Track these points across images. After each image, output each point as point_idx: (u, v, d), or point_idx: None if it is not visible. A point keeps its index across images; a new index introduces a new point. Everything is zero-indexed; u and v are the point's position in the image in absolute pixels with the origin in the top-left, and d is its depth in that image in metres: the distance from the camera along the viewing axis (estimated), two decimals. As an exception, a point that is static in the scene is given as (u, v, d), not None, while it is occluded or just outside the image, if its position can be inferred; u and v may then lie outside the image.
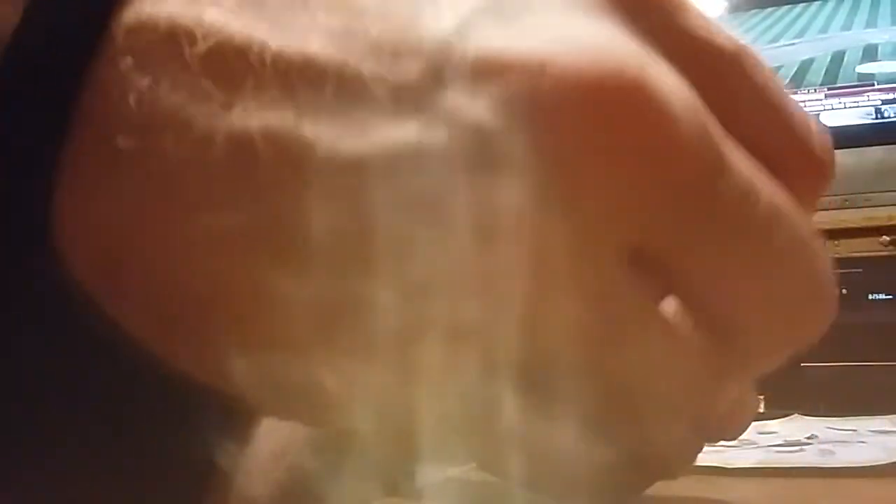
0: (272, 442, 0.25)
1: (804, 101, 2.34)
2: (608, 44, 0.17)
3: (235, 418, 0.21)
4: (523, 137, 0.16)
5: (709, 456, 0.38)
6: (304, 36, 0.17)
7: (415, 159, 0.16)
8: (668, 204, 0.17)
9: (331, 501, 0.22)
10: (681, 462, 0.30)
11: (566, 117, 0.16)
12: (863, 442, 0.48)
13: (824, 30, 2.21)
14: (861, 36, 2.17)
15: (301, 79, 0.17)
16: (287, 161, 0.17)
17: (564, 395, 0.18)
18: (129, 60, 0.17)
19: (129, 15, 0.17)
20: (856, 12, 2.22)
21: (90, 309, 0.18)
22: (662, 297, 0.18)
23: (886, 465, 0.40)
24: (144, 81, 0.17)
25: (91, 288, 0.18)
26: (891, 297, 1.91)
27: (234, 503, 0.23)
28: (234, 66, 0.17)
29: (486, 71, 0.17)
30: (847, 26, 2.20)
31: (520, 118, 0.16)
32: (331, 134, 0.17)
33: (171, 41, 0.17)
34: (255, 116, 0.17)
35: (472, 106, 0.16)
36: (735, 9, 2.41)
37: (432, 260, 0.16)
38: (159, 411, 0.20)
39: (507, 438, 0.18)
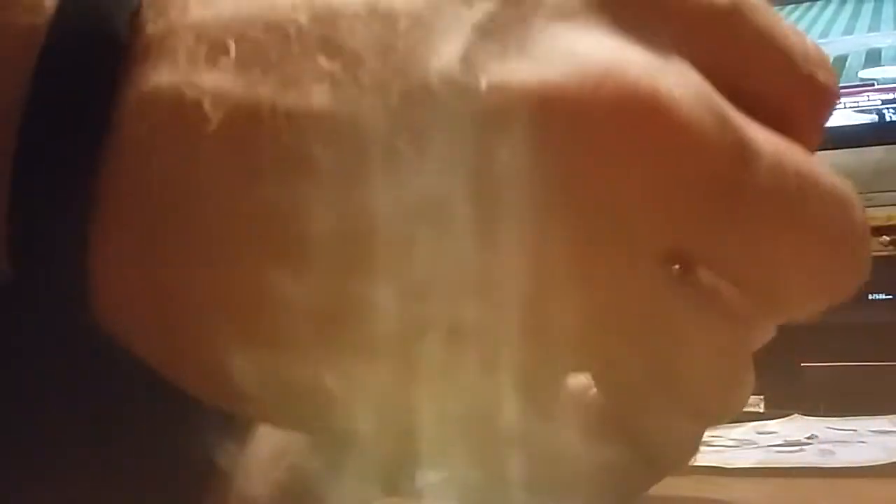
0: (272, 442, 0.25)
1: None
2: (616, 60, 0.17)
3: (235, 419, 0.21)
4: (551, 167, 0.16)
5: (709, 456, 0.38)
6: (311, 90, 0.17)
7: (444, 209, 0.16)
8: (699, 205, 0.17)
9: (330, 502, 0.22)
10: (685, 453, 0.30)
11: (591, 142, 0.16)
12: (863, 442, 0.48)
13: (825, 34, 2.21)
14: (864, 40, 2.17)
15: (315, 137, 0.17)
16: (303, 233, 0.17)
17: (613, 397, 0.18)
18: (141, 139, 0.17)
19: (133, 90, 0.17)
20: (857, 16, 2.22)
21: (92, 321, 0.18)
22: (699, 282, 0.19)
23: (886, 464, 0.40)
24: (158, 161, 0.17)
25: (111, 316, 0.18)
26: (891, 297, 1.90)
27: (234, 503, 0.23)
28: (247, 132, 0.17)
29: (501, 107, 0.17)
30: (849, 30, 2.20)
31: (544, 148, 0.16)
32: (356, 198, 0.16)
33: (180, 118, 0.17)
34: (273, 185, 0.17)
35: (492, 145, 0.16)
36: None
37: (469, 278, 0.17)
38: (159, 412, 0.20)
39: (509, 439, 0.18)
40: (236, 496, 0.22)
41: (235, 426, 0.21)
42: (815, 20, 2.24)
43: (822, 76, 0.20)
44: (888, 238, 1.98)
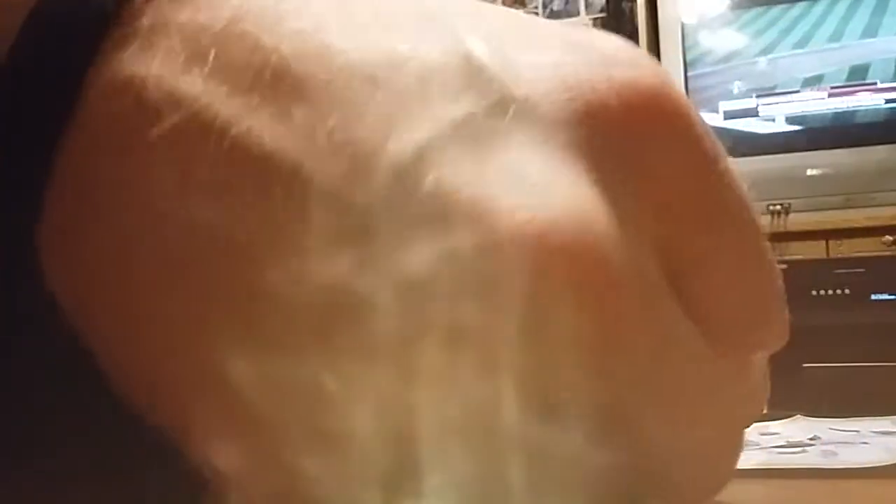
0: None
1: (806, 100, 2.35)
2: (568, 207, 0.16)
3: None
4: (478, 291, 0.16)
5: (711, 457, 0.38)
6: (264, 127, 0.17)
7: (355, 296, 0.16)
8: (612, 379, 0.17)
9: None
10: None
11: (525, 284, 0.16)
12: (865, 443, 0.48)
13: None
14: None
15: (249, 177, 0.16)
16: (222, 263, 0.16)
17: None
18: (99, 123, 0.17)
19: (108, 76, 0.17)
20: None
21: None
22: None
23: (889, 465, 0.40)
24: (107, 149, 0.17)
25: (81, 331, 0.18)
26: (894, 297, 1.90)
27: (233, 505, 0.23)
28: (191, 147, 0.17)
29: (437, 211, 0.16)
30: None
31: (468, 279, 0.16)
32: (269, 248, 0.16)
33: (140, 111, 0.17)
34: (202, 206, 0.16)
35: (408, 257, 0.16)
36: (737, 7, 2.41)
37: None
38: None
39: (511, 444, 0.18)
40: (234, 497, 0.22)
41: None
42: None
43: (771, 340, 0.21)
44: (891, 238, 1.98)
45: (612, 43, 0.19)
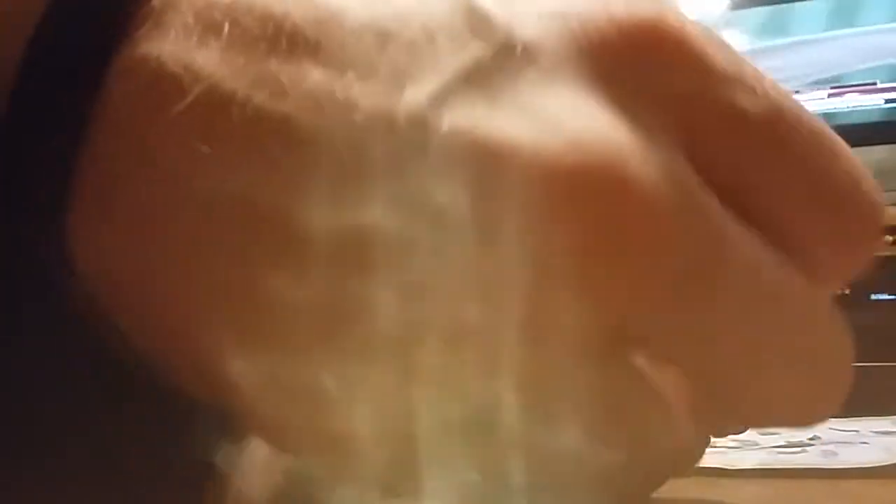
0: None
1: (808, 100, 2.34)
2: (589, 129, 0.17)
3: (233, 420, 0.21)
4: (507, 223, 0.16)
5: (710, 457, 0.38)
6: (285, 91, 0.17)
7: (373, 242, 0.17)
8: (661, 294, 0.17)
9: None
10: (689, 459, 0.30)
11: (549, 214, 0.16)
12: (865, 443, 0.48)
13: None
14: None
15: (275, 140, 0.17)
16: (255, 231, 0.17)
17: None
18: (121, 102, 0.18)
19: (125, 56, 0.18)
20: None
21: (91, 314, 0.18)
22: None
23: (889, 465, 0.40)
24: (134, 127, 0.17)
25: (105, 306, 0.18)
26: (894, 297, 1.91)
27: (232, 505, 0.23)
28: (214, 119, 0.17)
29: (459, 152, 0.16)
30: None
31: (488, 210, 0.16)
32: (299, 205, 0.17)
33: (158, 88, 0.17)
34: (228, 176, 0.17)
35: (436, 190, 0.16)
36: (737, 6, 2.41)
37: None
38: (156, 412, 0.20)
39: (510, 443, 0.18)
40: (234, 498, 0.22)
41: (233, 428, 0.21)
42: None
43: (856, 227, 0.19)
44: (891, 238, 1.98)
45: None
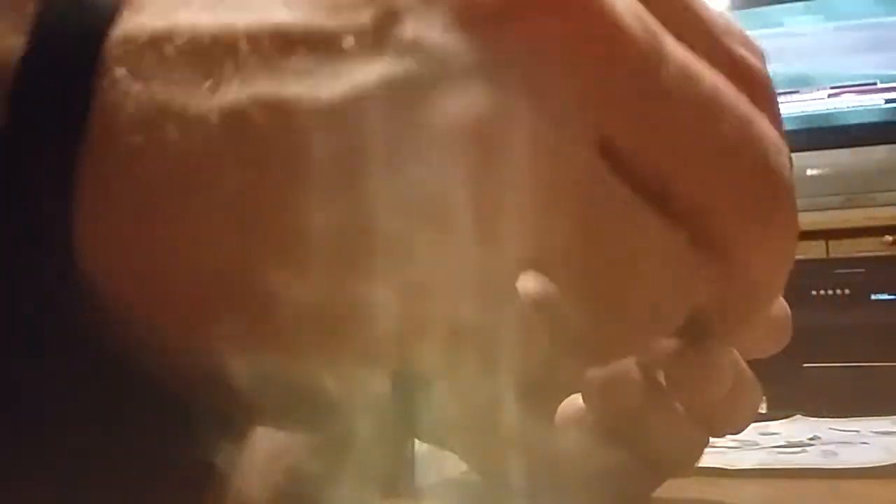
0: (270, 444, 0.25)
1: (806, 101, 2.34)
2: None
3: (233, 420, 0.21)
4: (479, 50, 0.18)
5: (711, 457, 0.38)
6: (268, 9, 0.19)
7: (388, 93, 0.18)
8: (619, 90, 0.18)
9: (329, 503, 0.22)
10: (688, 458, 0.30)
11: (518, 25, 0.18)
12: (865, 443, 0.48)
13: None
14: None
15: (274, 48, 0.18)
16: (277, 120, 0.18)
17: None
18: (122, 71, 0.18)
19: (118, 31, 0.18)
20: None
21: (93, 314, 0.18)
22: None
23: (889, 465, 0.40)
24: (137, 86, 0.18)
25: (114, 296, 0.18)
26: (893, 297, 1.90)
27: (232, 505, 0.23)
28: (211, 52, 0.18)
29: None
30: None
31: (471, 33, 0.18)
32: (311, 88, 0.18)
33: (153, 45, 0.18)
34: (241, 90, 0.18)
35: (428, 32, 0.18)
36: (737, 6, 2.41)
37: (419, 183, 0.18)
38: (157, 412, 0.20)
39: (509, 442, 0.18)
40: (234, 498, 0.22)
41: (233, 428, 0.21)
42: None
43: (744, 55, 0.21)
44: (891, 238, 1.98)
45: None
